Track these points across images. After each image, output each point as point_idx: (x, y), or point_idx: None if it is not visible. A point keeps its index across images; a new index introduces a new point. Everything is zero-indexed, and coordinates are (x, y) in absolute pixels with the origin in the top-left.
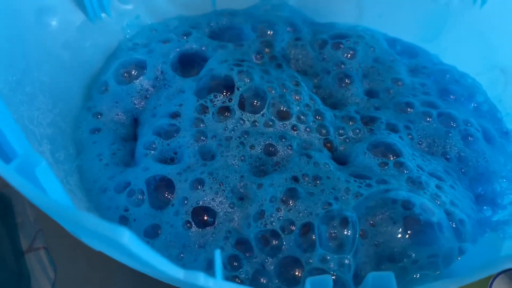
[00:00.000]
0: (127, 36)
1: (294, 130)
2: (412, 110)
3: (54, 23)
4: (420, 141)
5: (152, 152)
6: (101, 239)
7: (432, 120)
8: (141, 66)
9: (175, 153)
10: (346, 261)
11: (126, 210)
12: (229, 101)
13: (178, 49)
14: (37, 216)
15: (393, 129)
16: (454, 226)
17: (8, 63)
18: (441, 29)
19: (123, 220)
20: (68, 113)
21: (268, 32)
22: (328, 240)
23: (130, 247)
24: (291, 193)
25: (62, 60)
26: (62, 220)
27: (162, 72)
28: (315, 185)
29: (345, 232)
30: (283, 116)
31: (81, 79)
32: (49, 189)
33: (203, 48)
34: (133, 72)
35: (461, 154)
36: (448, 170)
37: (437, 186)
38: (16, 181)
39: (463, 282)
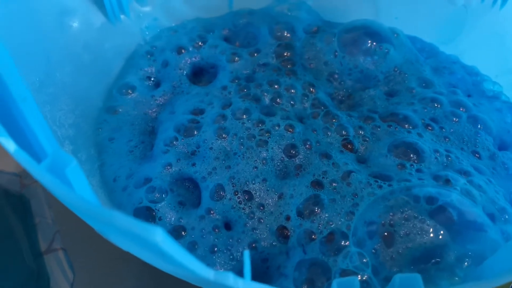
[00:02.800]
0: (146, 38)
1: (314, 132)
2: (439, 106)
3: (75, 24)
4: (447, 137)
5: (173, 148)
6: (133, 239)
7: (460, 120)
8: (159, 77)
9: (196, 151)
10: (367, 261)
11: (149, 209)
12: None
13: (193, 59)
14: (55, 218)
15: (414, 126)
16: (489, 223)
17: (32, 64)
18: (459, 31)
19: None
20: (89, 114)
21: (285, 34)
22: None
23: (163, 246)
24: (314, 201)
25: (83, 61)
26: (93, 219)
27: (179, 81)
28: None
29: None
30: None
31: (100, 80)
32: (78, 188)
33: (217, 59)
34: (153, 80)
35: (493, 154)
36: (480, 167)
37: (469, 182)
38: (47, 180)
39: (491, 284)
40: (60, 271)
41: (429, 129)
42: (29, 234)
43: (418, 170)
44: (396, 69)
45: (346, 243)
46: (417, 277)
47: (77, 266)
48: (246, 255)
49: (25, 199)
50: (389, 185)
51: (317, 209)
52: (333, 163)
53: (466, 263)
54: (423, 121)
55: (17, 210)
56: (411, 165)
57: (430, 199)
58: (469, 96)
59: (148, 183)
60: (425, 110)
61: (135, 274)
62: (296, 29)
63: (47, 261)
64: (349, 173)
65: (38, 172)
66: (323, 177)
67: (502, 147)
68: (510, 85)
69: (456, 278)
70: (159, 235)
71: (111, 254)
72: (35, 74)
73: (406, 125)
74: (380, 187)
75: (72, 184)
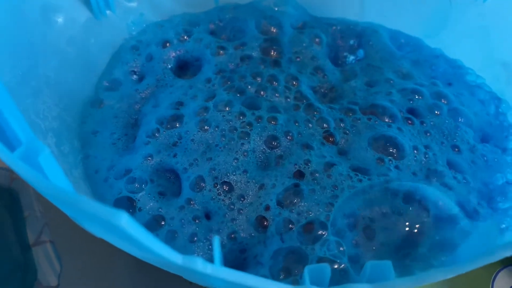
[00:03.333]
0: (132, 33)
1: (296, 124)
2: (420, 97)
3: (59, 19)
4: (428, 132)
5: (154, 140)
6: (101, 223)
7: (441, 113)
8: (143, 71)
9: (178, 142)
10: (344, 250)
11: (129, 200)
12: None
13: (177, 53)
14: (44, 210)
15: (394, 118)
16: (462, 216)
17: (14, 57)
18: (443, 25)
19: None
20: (73, 108)
21: (272, 29)
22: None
23: (129, 230)
24: (295, 191)
25: (67, 56)
26: (62, 204)
27: (163, 75)
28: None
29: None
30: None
31: (86, 75)
32: (51, 176)
33: (202, 52)
34: (137, 74)
35: (473, 147)
36: (458, 162)
37: (443, 183)
38: (20, 168)
39: (462, 270)
40: (48, 263)
41: (409, 123)
42: (17, 227)
43: (396, 167)
44: (370, 65)
45: (324, 233)
46: (387, 264)
47: (65, 258)
48: (216, 241)
49: (14, 193)
50: (369, 179)
51: (297, 199)
52: (314, 155)
53: (440, 253)
54: (402, 113)
55: (6, 204)
56: (390, 160)
57: (407, 194)
58: (449, 84)
59: (128, 174)
60: (405, 101)
61: (123, 266)
62: (283, 24)
63: (35, 253)
64: (330, 165)
65: (11, 160)
66: (305, 167)
67: (484, 139)
68: (493, 77)
69: (431, 265)
70: (123, 219)
71: (99, 246)
72: (17, 67)
73: (386, 119)
74: (360, 180)
75: (45, 171)
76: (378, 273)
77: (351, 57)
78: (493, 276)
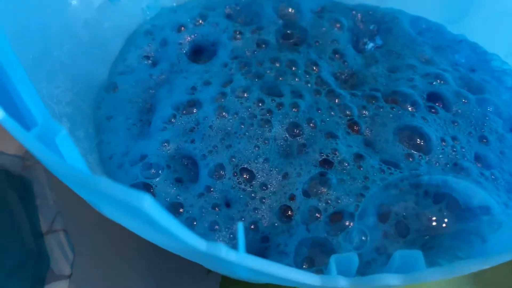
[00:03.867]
0: (147, 18)
1: (318, 111)
2: (444, 83)
3: (74, 2)
4: (455, 121)
5: (170, 126)
6: (120, 207)
7: (469, 101)
8: (157, 56)
9: (195, 128)
10: (371, 241)
11: (146, 186)
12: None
13: (192, 37)
14: (57, 199)
15: (417, 106)
16: (493, 207)
17: (28, 40)
18: (466, 10)
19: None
20: (88, 93)
21: (290, 11)
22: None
23: (152, 213)
24: (321, 180)
25: (82, 40)
26: (80, 186)
27: (177, 60)
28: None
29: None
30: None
31: (100, 60)
32: (68, 157)
33: (218, 36)
34: (151, 59)
35: (501, 135)
36: (486, 155)
37: (477, 169)
38: (36, 148)
39: (495, 262)
40: (60, 251)
41: (432, 111)
42: (30, 216)
43: (425, 161)
44: (391, 51)
45: (352, 223)
46: (418, 254)
47: (78, 247)
48: (240, 227)
49: (27, 181)
50: (400, 172)
51: (324, 188)
52: (341, 143)
53: (468, 246)
54: (424, 101)
55: (18, 192)
56: (420, 156)
57: (437, 187)
58: (473, 70)
59: (144, 160)
60: (429, 87)
61: (136, 255)
62: (302, 7)
63: (48, 242)
64: (359, 156)
65: (27, 139)
66: (333, 156)
67: None
68: None
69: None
70: (147, 201)
71: (112, 235)
72: (31, 51)
73: (409, 107)
74: (391, 174)
75: (62, 152)
76: (407, 264)
77: (370, 44)
78: None
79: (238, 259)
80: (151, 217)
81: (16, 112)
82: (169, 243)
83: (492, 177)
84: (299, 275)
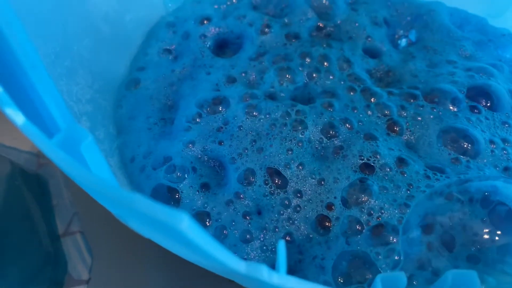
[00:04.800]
0: (169, 10)
1: (354, 111)
2: (491, 78)
3: None
4: (506, 122)
5: (195, 125)
6: (155, 225)
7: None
8: (179, 50)
9: (223, 128)
10: (415, 257)
11: (170, 191)
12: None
13: (217, 30)
14: (73, 199)
15: (459, 105)
16: None
17: (48, 35)
18: (509, 3)
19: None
20: (108, 90)
21: (323, 1)
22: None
23: (189, 235)
24: (361, 187)
25: (102, 33)
26: (110, 202)
27: (200, 54)
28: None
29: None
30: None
31: (120, 54)
32: (95, 167)
33: (244, 29)
34: (173, 53)
35: None
36: None
37: None
38: (59, 158)
39: None
40: (78, 255)
41: (475, 112)
42: (46, 216)
43: (474, 166)
44: (428, 47)
45: (395, 238)
46: (473, 274)
47: (96, 250)
48: (281, 246)
49: (43, 179)
50: (447, 177)
51: (365, 197)
52: (382, 146)
53: None
54: (467, 101)
55: (34, 191)
56: (467, 160)
57: (489, 194)
58: None
59: (168, 162)
60: (473, 83)
61: (156, 260)
62: None
63: (65, 244)
64: (402, 160)
65: (49, 148)
66: (374, 160)
67: None
68: None
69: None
70: (185, 222)
71: (131, 237)
72: (50, 46)
73: (451, 106)
74: (438, 180)
75: (88, 162)
76: (461, 284)
77: (404, 40)
78: None
79: (280, 282)
80: (189, 239)
81: (37, 116)
82: (204, 262)
83: None
84: None
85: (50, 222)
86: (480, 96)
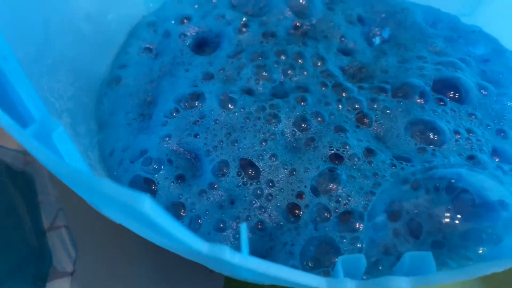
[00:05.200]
0: (150, 10)
1: (326, 105)
2: (460, 72)
3: None
4: (472, 114)
5: (172, 120)
6: (120, 208)
7: (488, 94)
8: (159, 49)
9: (199, 122)
10: (380, 242)
11: (147, 182)
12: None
13: (196, 29)
14: (59, 195)
15: (428, 98)
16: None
17: (29, 33)
18: (478, 2)
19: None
20: (90, 87)
21: (301, 1)
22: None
23: (151, 215)
24: (331, 176)
25: (84, 33)
26: (80, 187)
27: (180, 52)
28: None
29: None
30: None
31: (102, 53)
32: (66, 155)
33: (223, 28)
34: (153, 51)
35: None
36: (505, 146)
37: (495, 163)
38: (33, 147)
39: (509, 264)
40: (63, 248)
41: (441, 104)
42: (31, 212)
43: (439, 154)
44: (400, 44)
45: (361, 224)
46: (428, 256)
47: (80, 243)
48: (243, 228)
49: (29, 176)
50: (412, 166)
51: (334, 185)
52: (351, 137)
53: (479, 245)
54: (433, 91)
55: (20, 188)
56: (433, 149)
57: (453, 182)
58: (486, 61)
59: (144, 155)
60: (441, 73)
61: (139, 252)
62: None
63: (50, 238)
64: (370, 150)
65: (24, 138)
66: (343, 150)
67: None
68: None
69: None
70: (146, 203)
71: (114, 231)
72: (32, 44)
73: (418, 100)
74: (403, 169)
75: (60, 151)
76: (417, 266)
77: (378, 38)
78: None
79: (242, 262)
80: (150, 219)
81: (13, 109)
82: (170, 244)
83: (511, 172)
84: (305, 277)
85: (36, 218)
86: (447, 88)
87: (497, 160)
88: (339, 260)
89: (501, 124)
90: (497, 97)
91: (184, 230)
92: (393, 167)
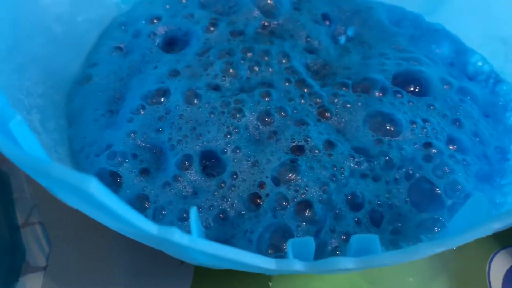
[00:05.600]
0: (122, 11)
1: (289, 100)
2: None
3: None
4: (431, 105)
5: (138, 116)
6: (72, 191)
7: (450, 88)
8: (129, 47)
9: (164, 117)
10: (339, 229)
11: (112, 175)
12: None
13: (165, 28)
14: (34, 192)
15: (386, 91)
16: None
17: None
18: (440, 1)
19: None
20: (61, 86)
21: (268, 1)
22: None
23: (98, 196)
24: (291, 167)
25: (55, 34)
26: (33, 171)
27: (149, 50)
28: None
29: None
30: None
31: (74, 53)
32: (24, 143)
33: (192, 27)
34: (123, 50)
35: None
36: (459, 138)
37: (449, 151)
38: None
39: (451, 244)
40: (37, 244)
41: (398, 96)
42: (6, 209)
43: (395, 145)
44: (364, 43)
45: (317, 213)
46: (373, 238)
47: (54, 239)
48: (193, 212)
49: (4, 174)
50: (368, 160)
51: (293, 175)
52: (312, 130)
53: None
54: (391, 84)
55: None
56: (389, 140)
57: (411, 172)
58: (450, 62)
59: (110, 149)
60: (404, 74)
61: (111, 248)
62: None
63: (24, 234)
64: (330, 143)
65: None
66: (305, 143)
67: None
68: (493, 54)
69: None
70: (93, 184)
71: (88, 227)
72: (2, 42)
73: (377, 93)
74: (360, 161)
75: (17, 138)
76: (364, 247)
77: (343, 36)
78: (490, 257)
79: (192, 244)
80: (97, 200)
81: None
82: (123, 227)
83: (464, 162)
84: (254, 259)
85: (10, 214)
86: (408, 82)
87: (452, 148)
88: (289, 243)
89: (458, 114)
90: (456, 91)
91: (132, 212)
92: (351, 158)
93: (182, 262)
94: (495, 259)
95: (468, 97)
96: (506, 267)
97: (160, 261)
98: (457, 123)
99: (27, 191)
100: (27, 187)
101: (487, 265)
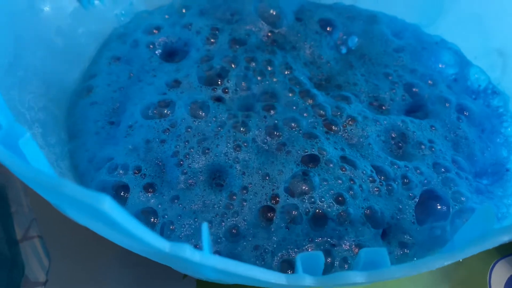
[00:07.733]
0: (122, 23)
1: (294, 109)
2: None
3: (46, 8)
4: (432, 126)
5: (139, 130)
6: (83, 209)
7: (449, 107)
8: (129, 58)
9: (170, 130)
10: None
11: (117, 191)
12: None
13: (165, 39)
14: (32, 205)
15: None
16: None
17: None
18: (438, 13)
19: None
20: (61, 99)
21: (271, 11)
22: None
23: (112, 215)
24: (304, 179)
25: (55, 46)
26: (45, 190)
27: (149, 61)
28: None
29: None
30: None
31: (74, 65)
32: (32, 160)
33: (192, 38)
34: (122, 60)
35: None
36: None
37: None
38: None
39: (459, 256)
40: (36, 258)
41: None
42: (4, 223)
43: (412, 168)
44: (366, 56)
45: (334, 225)
46: (383, 251)
47: (54, 253)
48: (204, 227)
49: (1, 187)
50: (383, 176)
51: (306, 188)
52: (325, 143)
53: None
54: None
55: None
56: (405, 166)
57: (423, 192)
58: (453, 78)
59: (111, 161)
60: (407, 95)
61: (112, 261)
62: (284, 9)
63: (23, 249)
64: (343, 158)
65: None
66: (317, 155)
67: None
68: (490, 66)
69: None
70: (106, 203)
71: (88, 241)
72: (3, 56)
73: (383, 107)
74: (373, 178)
75: (26, 156)
76: (373, 261)
77: (344, 47)
78: (491, 267)
79: (203, 260)
80: (111, 219)
81: None
82: (133, 244)
83: (467, 180)
84: (265, 274)
85: (8, 228)
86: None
87: (455, 166)
88: (298, 257)
89: (456, 134)
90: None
91: (145, 229)
92: (363, 173)
93: (184, 276)
94: (496, 268)
95: (466, 114)
96: (507, 275)
97: (162, 275)
98: (455, 145)
99: (25, 204)
100: (25, 200)
101: (488, 274)
